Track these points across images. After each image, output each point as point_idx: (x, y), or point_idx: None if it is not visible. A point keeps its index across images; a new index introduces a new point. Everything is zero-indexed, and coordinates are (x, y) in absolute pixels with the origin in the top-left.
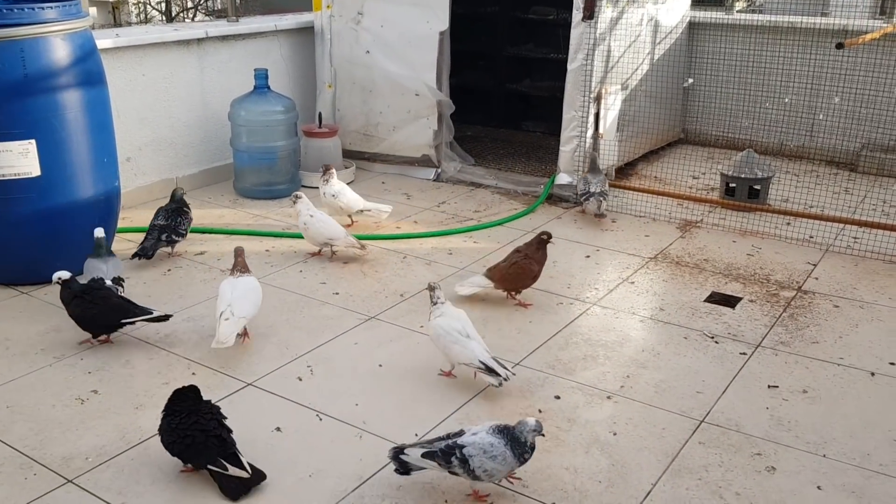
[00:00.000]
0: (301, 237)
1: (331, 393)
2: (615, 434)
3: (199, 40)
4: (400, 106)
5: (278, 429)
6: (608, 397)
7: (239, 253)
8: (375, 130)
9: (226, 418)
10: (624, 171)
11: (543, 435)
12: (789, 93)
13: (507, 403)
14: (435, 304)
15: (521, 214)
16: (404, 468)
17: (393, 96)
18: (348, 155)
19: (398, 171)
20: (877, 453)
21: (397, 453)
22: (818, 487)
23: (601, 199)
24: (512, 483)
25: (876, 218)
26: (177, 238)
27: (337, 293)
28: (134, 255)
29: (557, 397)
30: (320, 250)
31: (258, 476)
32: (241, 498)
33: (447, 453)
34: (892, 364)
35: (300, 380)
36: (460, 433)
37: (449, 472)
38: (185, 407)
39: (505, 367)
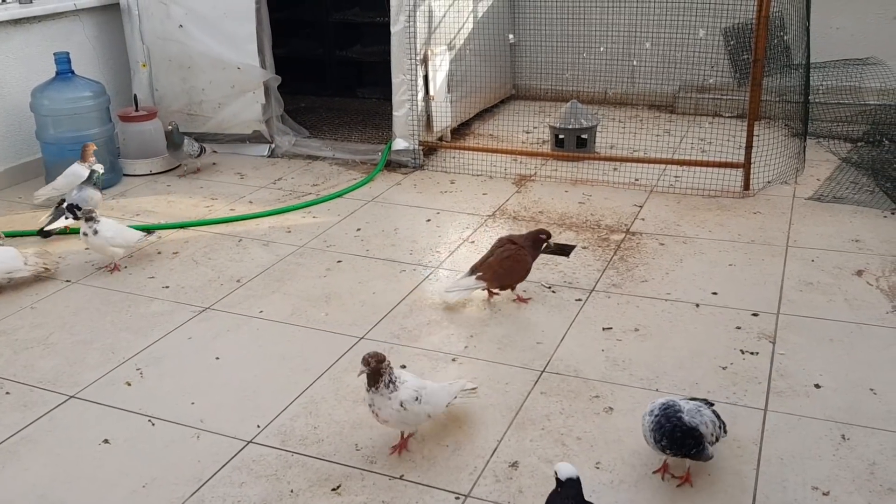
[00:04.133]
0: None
1: (163, 395)
2: None
3: None
4: (223, 81)
5: (106, 441)
6: (453, 359)
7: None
8: (200, 109)
9: None
10: (459, 131)
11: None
12: (607, 41)
13: (350, 381)
14: None
15: (360, 184)
16: None
17: (214, 71)
18: None
19: (230, 150)
20: (704, 381)
21: None
22: None
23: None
24: None
25: (694, 156)
26: None
27: (167, 286)
28: None
29: (403, 366)
30: None
31: None
32: None
33: None
34: (714, 294)
35: (129, 385)
36: None
37: None
38: None
39: None
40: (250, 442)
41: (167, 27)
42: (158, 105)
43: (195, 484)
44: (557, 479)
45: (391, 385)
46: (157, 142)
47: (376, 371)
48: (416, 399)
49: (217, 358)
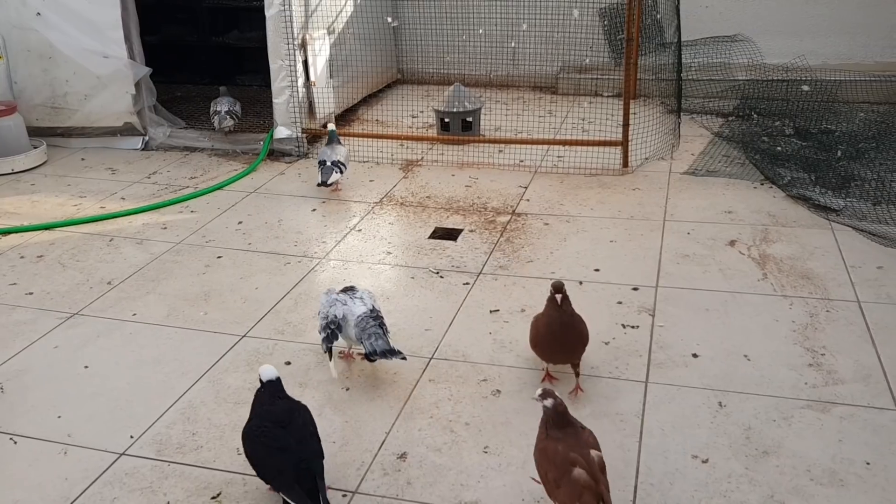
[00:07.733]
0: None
1: (27, 410)
2: (348, 389)
3: None
4: (88, 71)
5: None
6: (340, 353)
7: None
8: (65, 101)
9: None
10: (345, 117)
11: None
12: (485, 24)
13: (232, 381)
14: None
15: (241, 175)
16: None
17: (78, 62)
18: (37, 133)
19: (100, 145)
20: (588, 357)
21: None
22: None
23: None
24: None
25: (576, 136)
26: None
27: (31, 293)
28: None
29: (288, 363)
30: None
31: None
32: None
33: None
34: (596, 270)
35: None
36: None
37: None
38: None
39: None
40: (123, 454)
41: (23, 15)
42: (18, 98)
43: (63, 503)
44: (261, 381)
45: None
46: (18, 138)
47: None
48: None
49: (86, 367)
